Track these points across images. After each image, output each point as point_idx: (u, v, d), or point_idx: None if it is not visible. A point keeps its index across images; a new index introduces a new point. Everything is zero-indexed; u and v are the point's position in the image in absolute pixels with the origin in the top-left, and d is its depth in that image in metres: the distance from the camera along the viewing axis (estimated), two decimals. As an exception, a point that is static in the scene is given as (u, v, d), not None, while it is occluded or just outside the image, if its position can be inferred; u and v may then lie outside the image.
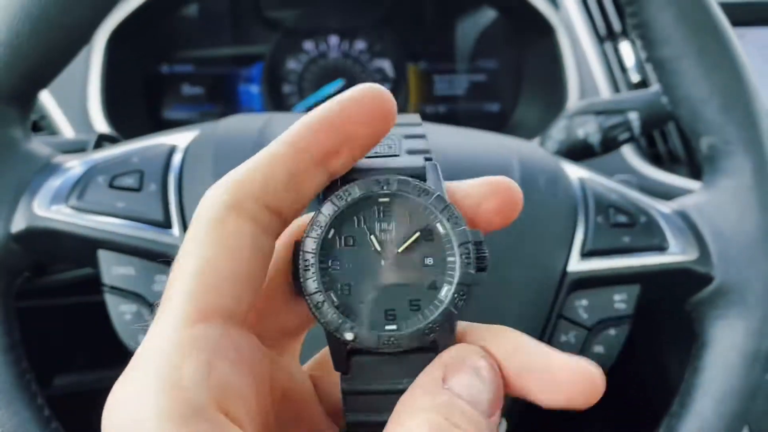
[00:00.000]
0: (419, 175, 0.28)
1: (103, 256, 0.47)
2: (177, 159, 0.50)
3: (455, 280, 0.26)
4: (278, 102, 0.99)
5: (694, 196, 0.54)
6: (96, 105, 0.82)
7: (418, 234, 0.27)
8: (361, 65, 0.99)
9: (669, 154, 0.84)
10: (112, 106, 0.83)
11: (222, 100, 0.99)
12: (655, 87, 0.65)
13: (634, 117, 0.63)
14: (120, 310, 0.47)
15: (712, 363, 0.49)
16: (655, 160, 0.84)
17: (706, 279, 0.50)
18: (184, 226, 0.47)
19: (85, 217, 0.47)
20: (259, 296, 0.26)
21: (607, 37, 0.90)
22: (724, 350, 0.49)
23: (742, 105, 0.50)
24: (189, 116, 0.97)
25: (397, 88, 1.00)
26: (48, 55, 0.47)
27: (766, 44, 0.93)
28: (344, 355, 0.27)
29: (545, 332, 0.49)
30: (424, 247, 0.27)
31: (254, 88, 0.99)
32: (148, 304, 0.47)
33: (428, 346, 0.26)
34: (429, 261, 0.26)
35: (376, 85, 0.26)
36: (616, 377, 0.59)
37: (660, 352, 0.77)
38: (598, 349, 0.50)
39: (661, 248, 0.51)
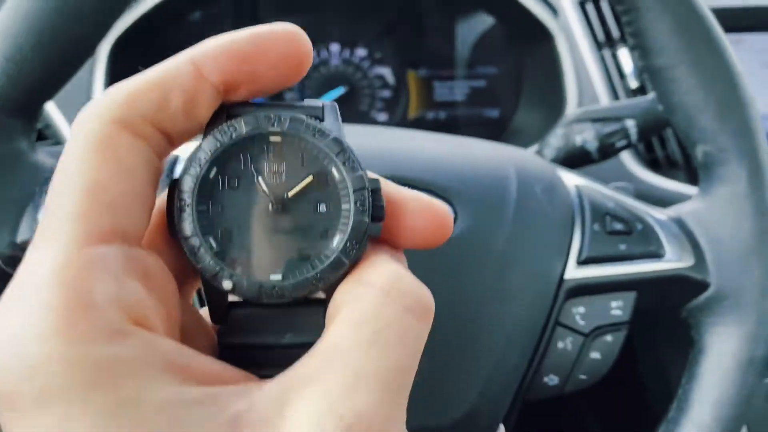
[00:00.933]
0: (316, 115, 0.25)
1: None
2: (179, 170, 0.50)
3: (348, 228, 0.24)
4: (280, 109, 0.99)
5: (690, 203, 0.54)
6: (100, 113, 0.83)
7: (310, 178, 0.24)
8: (362, 72, 1.00)
9: (667, 160, 0.85)
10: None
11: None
12: (652, 94, 0.65)
13: (631, 124, 0.64)
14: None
15: (708, 369, 0.49)
16: (654, 165, 0.85)
17: (702, 286, 0.51)
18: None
19: (89, 228, 0.48)
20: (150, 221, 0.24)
21: (605, 43, 0.90)
22: (720, 356, 0.49)
23: (736, 113, 0.50)
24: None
25: (398, 94, 1.01)
26: (52, 68, 0.47)
27: (764, 49, 0.93)
28: (223, 306, 0.25)
29: (542, 339, 0.49)
30: (317, 193, 0.24)
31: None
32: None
33: (315, 298, 0.25)
34: (322, 208, 0.25)
35: (296, 28, 0.24)
36: (615, 382, 0.59)
37: (659, 356, 0.77)
38: (595, 355, 0.50)
39: (658, 255, 0.51)
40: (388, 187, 0.27)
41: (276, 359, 0.23)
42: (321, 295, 0.25)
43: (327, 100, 0.26)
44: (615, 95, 0.88)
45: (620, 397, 0.85)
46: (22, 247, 0.47)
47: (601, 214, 0.52)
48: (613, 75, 0.88)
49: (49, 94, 0.49)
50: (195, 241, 0.24)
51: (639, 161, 0.83)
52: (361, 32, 1.00)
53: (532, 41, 0.95)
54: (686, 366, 0.51)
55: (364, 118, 1.00)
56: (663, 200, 0.58)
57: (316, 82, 1.00)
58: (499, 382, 0.48)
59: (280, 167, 0.24)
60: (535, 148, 0.70)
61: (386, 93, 1.01)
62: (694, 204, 0.54)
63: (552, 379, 0.50)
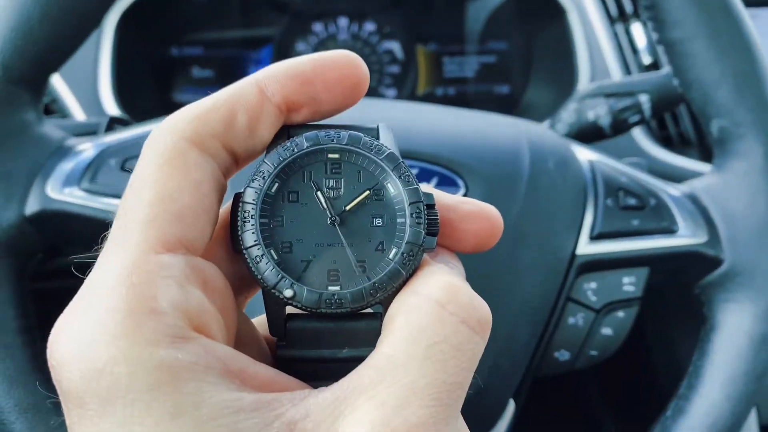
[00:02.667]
0: (372, 134, 0.27)
1: (116, 238, 0.48)
2: None
3: (404, 240, 0.25)
4: (288, 84, 0.98)
5: (704, 178, 0.54)
6: (106, 88, 0.82)
7: (367, 192, 0.26)
8: (371, 47, 0.99)
9: (680, 137, 0.84)
10: (122, 89, 0.83)
11: (231, 82, 0.98)
12: (666, 69, 0.64)
13: (644, 99, 0.63)
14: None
15: (720, 346, 0.49)
16: (666, 142, 0.84)
17: (716, 262, 0.50)
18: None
19: (97, 200, 0.47)
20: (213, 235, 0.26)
21: (618, 18, 0.89)
22: (732, 333, 0.49)
23: (754, 87, 0.49)
24: (199, 99, 0.97)
25: (407, 70, 1.00)
26: (59, 38, 0.47)
27: (780, 25, 0.92)
28: (282, 318, 0.26)
29: (553, 314, 0.49)
30: (374, 207, 0.26)
31: (264, 71, 0.99)
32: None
33: (372, 312, 0.25)
34: (378, 222, 0.25)
35: (354, 55, 0.26)
36: (625, 359, 0.59)
37: (668, 334, 0.77)
38: (606, 331, 0.50)
39: (671, 231, 0.51)
40: (440, 194, 0.28)
41: (333, 372, 0.24)
42: (378, 308, 0.25)
43: (382, 123, 0.27)
44: (627, 71, 0.86)
45: (628, 377, 0.85)
46: (31, 220, 0.47)
47: (614, 189, 0.51)
48: (626, 50, 0.87)
49: (55, 65, 0.49)
50: (257, 251, 0.24)
51: (651, 138, 0.82)
52: (369, 5, 0.98)
53: (544, 16, 0.93)
54: (697, 343, 0.50)
55: (372, 94, 0.99)
56: (675, 177, 0.57)
57: (324, 57, 0.99)
58: (509, 357, 0.48)
59: (338, 182, 0.26)
60: (546, 123, 0.69)
61: (395, 68, 1.00)
62: (709, 179, 0.53)
63: (563, 355, 0.50)
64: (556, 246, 0.49)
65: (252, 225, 0.25)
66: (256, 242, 0.24)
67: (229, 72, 0.99)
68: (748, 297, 0.49)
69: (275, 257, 0.25)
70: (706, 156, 0.81)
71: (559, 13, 0.90)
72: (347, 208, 0.25)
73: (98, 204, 0.47)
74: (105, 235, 0.24)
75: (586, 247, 0.50)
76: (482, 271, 0.48)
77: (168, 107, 0.95)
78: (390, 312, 0.24)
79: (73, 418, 0.21)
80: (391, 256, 0.25)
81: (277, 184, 0.25)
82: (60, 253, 0.64)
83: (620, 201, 0.51)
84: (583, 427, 0.88)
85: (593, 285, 0.50)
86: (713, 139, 0.52)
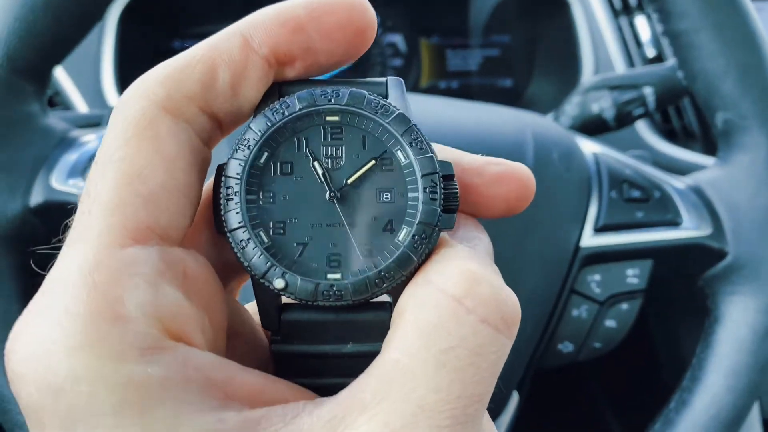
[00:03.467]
0: (379, 92, 0.22)
1: (120, 229, 0.48)
2: None
3: (416, 219, 0.21)
4: (290, 77, 0.98)
5: (709, 171, 0.53)
6: (109, 80, 0.82)
7: (373, 162, 0.21)
8: (374, 40, 0.99)
9: (684, 130, 0.84)
10: (125, 82, 0.83)
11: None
12: (670, 62, 0.64)
13: (649, 92, 0.63)
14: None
15: (723, 338, 0.49)
16: (670, 135, 0.84)
17: (720, 254, 0.50)
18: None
19: (101, 191, 0.47)
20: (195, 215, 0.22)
21: (622, 11, 0.89)
22: (735, 326, 0.49)
23: (759, 80, 0.49)
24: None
25: (410, 63, 1.00)
26: (63, 30, 0.47)
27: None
28: (275, 309, 0.22)
29: (557, 306, 0.49)
30: (381, 179, 0.21)
31: (266, 64, 0.99)
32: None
33: (378, 301, 0.21)
34: (386, 197, 0.21)
35: None
36: (628, 352, 0.59)
37: (671, 326, 0.77)
38: (610, 323, 0.50)
39: (675, 223, 0.50)
40: (462, 156, 0.24)
41: (336, 368, 0.21)
42: (386, 297, 0.22)
43: (391, 77, 0.23)
44: (631, 64, 0.86)
45: (630, 370, 0.85)
46: (35, 211, 0.47)
47: (618, 181, 0.51)
48: (629, 43, 0.87)
49: (59, 57, 0.49)
50: (243, 234, 0.21)
51: (655, 131, 0.82)
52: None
53: (548, 9, 0.93)
54: (701, 336, 0.50)
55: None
56: (679, 171, 0.57)
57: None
58: (513, 349, 0.48)
59: (339, 150, 0.21)
60: (550, 116, 0.69)
61: (398, 61, 1.00)
62: (713, 172, 0.53)
63: (566, 347, 0.50)
64: (560, 238, 0.49)
65: (236, 203, 0.21)
66: (242, 224, 0.21)
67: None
68: (752, 289, 0.49)
69: (265, 240, 0.21)
70: (710, 149, 0.81)
71: (563, 6, 0.90)
72: (349, 181, 0.21)
73: (102, 195, 0.47)
74: (67, 223, 0.20)
75: (590, 239, 0.50)
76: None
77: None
78: (399, 305, 0.20)
79: None
80: (400, 238, 0.21)
81: (266, 154, 0.21)
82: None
83: (624, 193, 0.51)
84: (585, 419, 0.88)
85: (597, 277, 0.50)
86: (718, 131, 0.52)
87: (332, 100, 0.21)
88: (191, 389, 0.18)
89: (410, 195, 0.21)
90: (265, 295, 0.22)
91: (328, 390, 0.20)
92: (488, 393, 0.19)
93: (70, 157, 0.48)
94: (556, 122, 0.67)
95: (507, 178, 0.24)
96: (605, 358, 0.52)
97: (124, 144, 0.20)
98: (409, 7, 0.99)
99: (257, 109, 0.22)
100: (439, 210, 0.21)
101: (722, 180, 0.52)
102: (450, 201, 0.21)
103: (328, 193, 0.21)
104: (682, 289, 0.58)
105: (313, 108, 0.21)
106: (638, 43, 0.87)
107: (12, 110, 0.47)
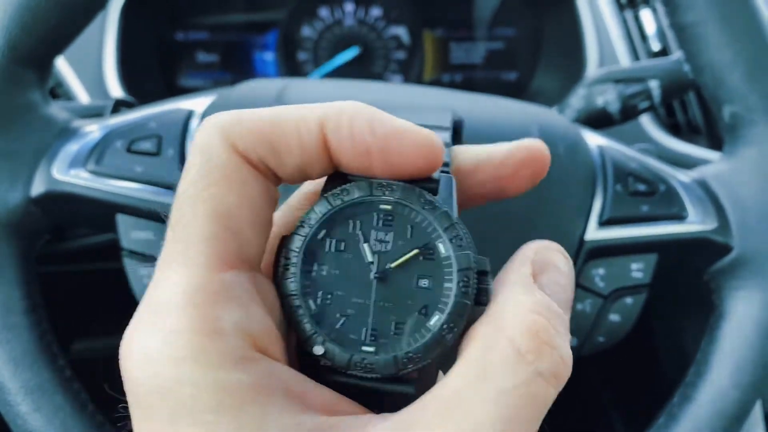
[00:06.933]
0: (430, 188, 0.25)
1: (122, 220, 0.48)
2: (194, 124, 0.50)
3: (447, 309, 0.23)
4: (293, 69, 0.98)
5: (715, 165, 0.53)
6: (111, 72, 0.82)
7: (416, 251, 0.24)
8: (377, 32, 0.98)
9: (688, 124, 0.83)
10: (127, 73, 0.83)
11: (237, 67, 0.98)
12: (676, 55, 0.64)
13: (654, 85, 0.62)
14: (139, 274, 0.48)
15: (728, 334, 0.49)
16: (675, 130, 0.83)
17: (725, 249, 0.50)
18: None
19: (103, 182, 0.47)
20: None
21: (627, 4, 0.88)
22: (741, 321, 0.49)
23: (766, 72, 0.49)
24: (203, 83, 0.97)
25: (413, 55, 0.99)
26: (65, 18, 0.47)
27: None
28: (314, 370, 0.24)
29: (561, 300, 0.49)
30: (421, 267, 0.24)
31: (269, 56, 0.99)
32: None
33: (404, 378, 0.24)
34: (424, 283, 0.24)
35: (432, 136, 0.24)
36: (632, 346, 0.59)
37: (676, 321, 0.77)
38: (614, 317, 0.50)
39: (680, 217, 0.50)
40: (488, 150, 0.27)
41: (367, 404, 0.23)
42: (407, 373, 0.24)
43: (444, 174, 0.25)
44: (636, 57, 0.86)
45: (634, 364, 0.85)
46: (36, 201, 0.47)
47: (623, 174, 0.51)
48: (634, 37, 0.86)
49: (61, 46, 0.49)
50: (295, 302, 0.24)
51: (659, 125, 0.81)
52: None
53: (553, 2, 0.93)
54: (706, 331, 0.50)
55: (378, 80, 0.99)
56: (683, 165, 0.57)
57: (329, 42, 0.98)
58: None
59: (387, 235, 0.24)
60: (555, 109, 0.69)
61: (401, 54, 0.99)
62: (719, 166, 0.52)
63: (570, 341, 0.50)
64: (565, 231, 0.49)
65: (293, 273, 0.24)
66: (295, 292, 0.24)
67: (233, 57, 0.98)
68: (758, 284, 0.49)
69: (312, 308, 0.24)
70: (715, 144, 0.80)
71: (568, -1, 0.89)
72: (393, 265, 0.24)
73: (104, 186, 0.47)
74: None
75: (594, 233, 0.49)
76: (488, 255, 0.47)
77: (172, 92, 0.95)
78: (469, 336, 0.23)
79: (141, 428, 0.22)
80: (431, 324, 0.23)
81: (323, 231, 0.24)
82: (66, 236, 0.64)
83: (630, 187, 0.50)
84: (588, 413, 0.88)
85: (601, 271, 0.50)
86: (724, 125, 0.51)
87: (386, 193, 0.24)
88: (275, 395, 0.21)
89: (446, 285, 0.23)
90: (306, 356, 0.24)
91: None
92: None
93: (72, 147, 0.48)
94: (561, 115, 0.67)
95: (530, 160, 0.27)
96: (609, 353, 0.52)
97: (212, 184, 0.23)
98: (413, 0, 0.98)
99: (323, 190, 0.25)
100: (470, 304, 0.23)
101: (728, 174, 0.51)
102: (481, 296, 0.23)
103: (372, 273, 0.24)
104: (687, 284, 0.57)
105: (370, 198, 0.24)
106: (643, 37, 0.86)
107: (13, 99, 0.46)
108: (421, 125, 0.24)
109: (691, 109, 0.83)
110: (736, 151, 0.51)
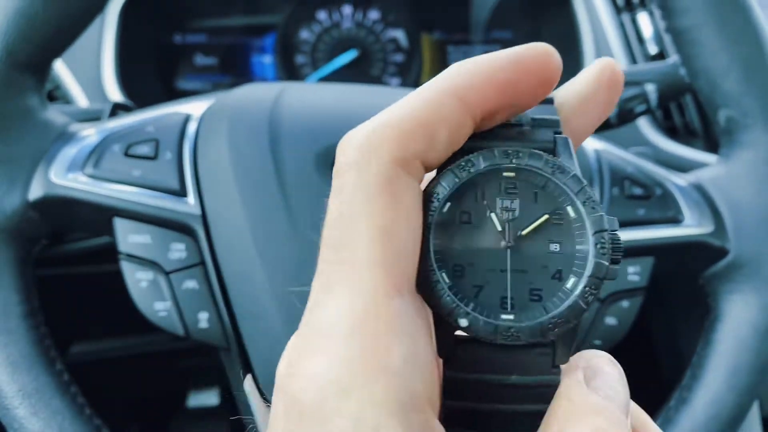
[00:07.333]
0: (548, 150, 0.24)
1: (119, 224, 0.48)
2: (192, 128, 0.50)
3: (586, 272, 0.23)
4: (291, 72, 0.98)
5: (711, 169, 0.53)
6: (110, 75, 0.82)
7: (546, 216, 0.24)
8: (375, 35, 0.98)
9: (685, 128, 0.83)
10: (125, 77, 0.83)
11: (235, 70, 0.99)
12: (672, 59, 0.64)
13: (651, 89, 0.63)
14: (136, 278, 0.48)
15: (724, 337, 0.49)
16: (671, 133, 0.83)
17: (721, 252, 0.50)
18: (200, 195, 0.47)
19: (101, 185, 0.47)
20: None
21: (624, 7, 0.88)
22: (737, 324, 0.49)
23: (762, 77, 0.49)
24: (202, 86, 0.97)
25: (411, 58, 0.99)
26: (62, 22, 0.47)
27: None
28: (451, 342, 0.24)
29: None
30: (552, 232, 0.24)
31: (267, 59, 0.99)
32: (164, 271, 0.47)
33: (546, 342, 0.24)
34: (555, 247, 0.24)
35: (551, 50, 0.24)
36: (629, 349, 0.59)
37: (672, 324, 0.77)
38: (611, 320, 0.50)
39: (676, 221, 0.50)
40: (572, 89, 0.27)
41: (497, 396, 0.23)
42: (552, 337, 0.24)
43: (559, 135, 0.25)
44: (633, 61, 0.86)
45: (630, 368, 0.85)
46: (34, 206, 0.47)
47: (620, 178, 0.51)
48: (632, 40, 0.86)
49: (59, 50, 0.49)
50: (432, 276, 0.23)
51: (656, 128, 0.82)
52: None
53: (550, 5, 0.93)
54: (702, 334, 0.50)
55: (376, 83, 0.99)
56: (680, 168, 0.57)
57: (327, 45, 0.98)
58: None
59: (513, 203, 0.24)
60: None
61: (399, 57, 0.99)
62: (715, 170, 0.53)
63: None
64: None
65: (426, 248, 0.23)
66: (431, 267, 0.23)
67: (232, 60, 0.98)
68: (754, 288, 0.49)
69: (447, 281, 0.23)
70: (711, 147, 0.80)
71: (565, 2, 0.89)
72: (524, 232, 0.24)
73: (102, 190, 0.47)
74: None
75: None
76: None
77: (171, 95, 0.95)
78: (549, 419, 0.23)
79: None
80: (569, 286, 0.23)
81: (449, 204, 0.24)
82: (63, 240, 0.64)
83: (626, 190, 0.51)
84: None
85: None
86: (720, 128, 0.52)
87: (513, 160, 0.24)
88: None
89: (578, 247, 0.23)
90: (444, 329, 0.24)
91: (488, 416, 0.24)
92: None
93: (70, 151, 0.48)
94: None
95: (610, 72, 0.27)
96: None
97: (369, 200, 0.22)
98: (411, 3, 0.99)
99: (445, 164, 0.24)
100: (607, 264, 0.23)
101: (724, 177, 0.52)
102: (616, 253, 0.23)
103: (504, 242, 0.24)
104: (683, 287, 0.57)
105: (496, 166, 0.24)
106: (640, 40, 0.86)
107: (11, 103, 0.46)
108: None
109: (688, 113, 0.83)
110: (732, 154, 0.51)
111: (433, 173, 0.24)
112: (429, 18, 0.99)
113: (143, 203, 0.47)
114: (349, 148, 0.23)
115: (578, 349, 0.51)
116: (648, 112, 0.64)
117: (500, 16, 0.99)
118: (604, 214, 0.23)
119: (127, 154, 0.48)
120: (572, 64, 0.89)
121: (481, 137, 0.25)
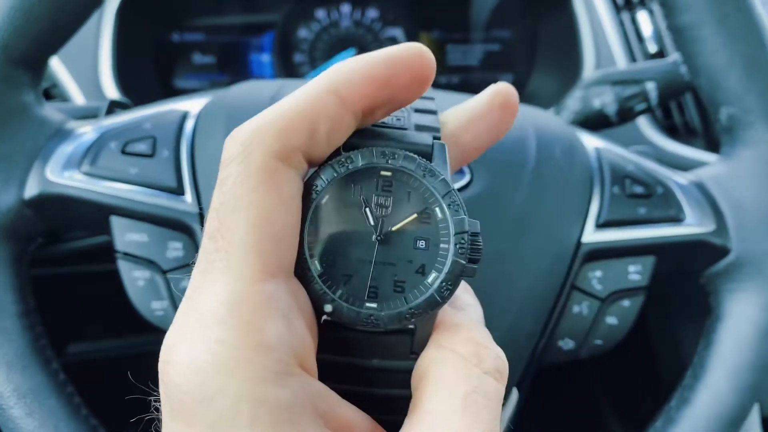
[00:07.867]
0: (425, 153, 0.27)
1: (116, 222, 0.47)
2: (189, 125, 0.49)
3: (445, 269, 0.25)
4: (289, 71, 0.98)
5: (712, 167, 0.53)
6: (107, 73, 0.81)
7: (415, 215, 0.26)
8: (373, 34, 0.98)
9: (685, 126, 0.83)
10: (123, 75, 0.83)
11: (233, 68, 0.98)
12: (673, 57, 0.64)
13: (651, 87, 0.62)
14: (133, 277, 0.47)
15: (726, 336, 0.48)
16: (672, 131, 0.83)
17: (723, 251, 0.50)
18: (197, 193, 0.47)
19: (97, 183, 0.47)
20: None
21: (624, 6, 0.88)
22: (738, 323, 0.48)
23: (764, 74, 0.49)
24: (200, 85, 0.97)
25: (410, 57, 0.99)
26: (59, 18, 0.46)
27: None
28: (322, 326, 0.26)
29: (558, 303, 0.48)
30: (419, 230, 0.26)
31: (265, 57, 0.98)
32: (161, 270, 0.47)
33: (405, 330, 0.26)
34: (421, 244, 0.26)
35: (422, 46, 0.26)
36: (629, 348, 0.59)
37: (673, 324, 0.77)
38: (611, 320, 0.50)
39: (678, 219, 0.50)
40: (471, 112, 0.30)
41: (363, 378, 0.26)
42: (410, 326, 0.26)
43: (437, 141, 0.27)
44: (633, 59, 0.85)
45: (631, 368, 0.85)
46: (30, 204, 0.47)
47: (620, 176, 0.51)
48: (631, 39, 0.86)
49: (56, 46, 0.48)
50: (304, 264, 0.25)
51: (656, 127, 0.81)
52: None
53: (550, 4, 0.93)
54: (703, 333, 0.50)
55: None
56: (680, 167, 0.57)
57: (326, 44, 0.98)
58: (513, 345, 0.48)
59: (387, 200, 0.26)
60: (551, 111, 0.69)
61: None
62: (716, 168, 0.52)
63: (567, 344, 0.49)
64: (562, 234, 0.49)
65: (302, 237, 0.25)
66: (304, 255, 0.25)
67: (230, 58, 0.98)
68: (756, 287, 0.49)
69: (319, 269, 0.25)
70: (712, 146, 0.80)
71: (564, 1, 0.89)
72: (393, 228, 0.26)
73: (98, 188, 0.47)
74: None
75: (591, 235, 0.49)
76: (485, 258, 0.47)
77: (168, 93, 0.94)
78: (420, 367, 0.25)
79: (177, 429, 0.22)
80: (429, 281, 0.25)
81: (327, 197, 0.26)
82: (60, 239, 0.63)
83: (627, 189, 0.50)
84: (585, 416, 0.88)
85: (598, 273, 0.49)
86: (721, 126, 0.51)
87: (389, 161, 0.26)
88: (306, 415, 0.22)
89: (441, 246, 0.26)
90: (317, 313, 0.26)
91: (361, 398, 0.26)
92: (498, 428, 0.24)
93: (66, 149, 0.48)
94: (557, 117, 0.66)
95: (507, 99, 0.29)
96: (606, 356, 0.51)
97: (251, 191, 0.23)
98: (409, 1, 0.98)
99: (327, 159, 0.26)
100: (465, 263, 0.26)
101: (725, 176, 0.51)
102: (474, 253, 0.26)
103: (374, 236, 0.26)
104: (684, 287, 0.57)
105: (372, 164, 0.26)
106: (640, 39, 0.86)
107: (7, 100, 0.46)
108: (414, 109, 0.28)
109: (688, 111, 0.83)
110: (733, 152, 0.51)
111: None
112: (428, 17, 0.99)
113: (140, 201, 0.47)
114: (233, 143, 0.24)
115: (580, 348, 0.51)
116: (648, 110, 0.64)
117: (500, 15, 0.99)
118: (465, 217, 0.26)
119: (124, 152, 0.47)
120: (572, 63, 0.88)
121: (365, 135, 0.27)
